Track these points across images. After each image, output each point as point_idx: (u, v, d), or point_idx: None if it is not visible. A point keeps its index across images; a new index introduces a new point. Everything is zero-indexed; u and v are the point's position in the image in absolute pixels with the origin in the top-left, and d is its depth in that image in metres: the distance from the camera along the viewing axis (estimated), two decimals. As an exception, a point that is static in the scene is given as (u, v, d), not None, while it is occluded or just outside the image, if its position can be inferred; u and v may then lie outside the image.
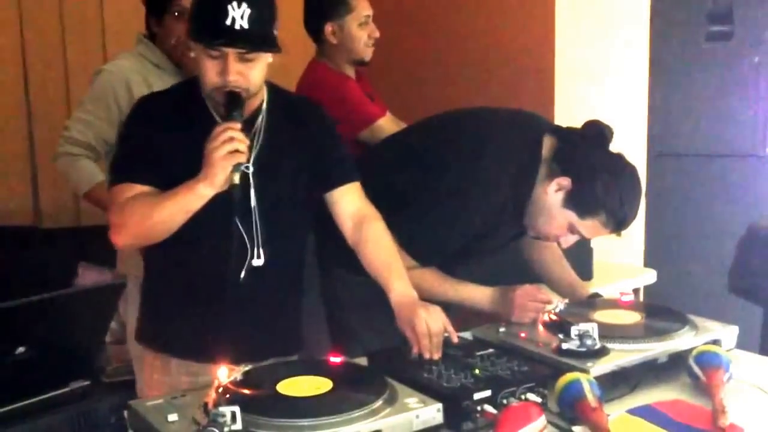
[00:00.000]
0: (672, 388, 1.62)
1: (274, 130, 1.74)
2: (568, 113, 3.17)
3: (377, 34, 2.68)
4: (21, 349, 1.27)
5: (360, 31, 2.64)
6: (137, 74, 2.49)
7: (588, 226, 1.84)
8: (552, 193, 1.83)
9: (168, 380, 1.79)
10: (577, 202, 1.82)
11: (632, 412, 1.49)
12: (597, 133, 1.85)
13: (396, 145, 2.16)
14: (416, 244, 1.89)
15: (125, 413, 1.40)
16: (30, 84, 3.48)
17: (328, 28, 2.63)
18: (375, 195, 1.86)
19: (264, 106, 1.75)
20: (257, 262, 1.70)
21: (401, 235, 1.86)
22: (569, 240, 1.90)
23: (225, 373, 1.41)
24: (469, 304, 1.95)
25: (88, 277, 2.77)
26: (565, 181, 1.82)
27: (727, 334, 1.75)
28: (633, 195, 1.83)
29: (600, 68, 3.27)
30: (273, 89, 1.79)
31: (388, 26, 2.87)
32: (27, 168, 3.50)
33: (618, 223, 1.83)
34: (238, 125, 1.59)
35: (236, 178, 1.57)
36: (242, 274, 1.70)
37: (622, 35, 3.33)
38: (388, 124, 2.61)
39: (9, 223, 3.34)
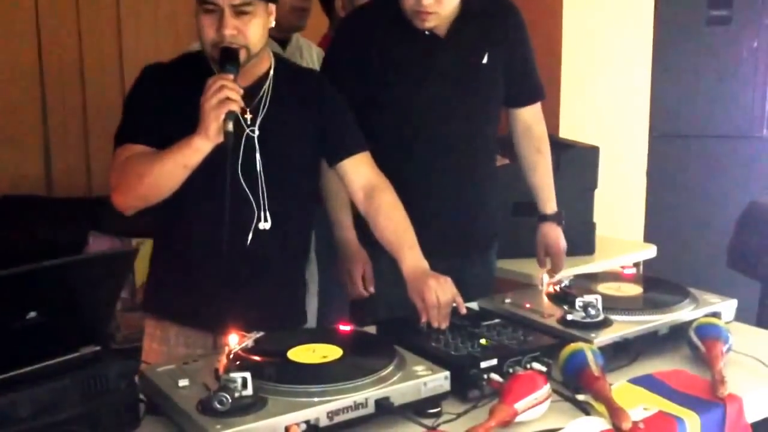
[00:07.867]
0: (672, 358, 1.64)
1: (280, 97, 1.75)
2: (574, 96, 3.21)
3: (387, 10, 2.67)
4: (32, 314, 1.26)
5: None
6: None
7: None
8: None
9: (166, 350, 1.80)
10: None
11: (634, 381, 1.52)
12: None
13: None
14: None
15: (136, 379, 1.42)
16: (43, 50, 3.37)
17: (339, 2, 2.62)
18: None
19: (271, 72, 1.76)
20: (264, 225, 1.71)
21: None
22: None
23: (236, 340, 1.42)
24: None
25: (99, 245, 2.77)
26: None
27: (727, 307, 1.78)
28: None
29: (605, 53, 3.30)
30: (279, 58, 1.81)
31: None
32: (39, 136, 3.42)
33: None
34: (231, 76, 1.58)
35: (230, 126, 1.54)
36: (249, 237, 1.71)
37: (626, 21, 3.37)
38: None
39: (20, 192, 3.30)
